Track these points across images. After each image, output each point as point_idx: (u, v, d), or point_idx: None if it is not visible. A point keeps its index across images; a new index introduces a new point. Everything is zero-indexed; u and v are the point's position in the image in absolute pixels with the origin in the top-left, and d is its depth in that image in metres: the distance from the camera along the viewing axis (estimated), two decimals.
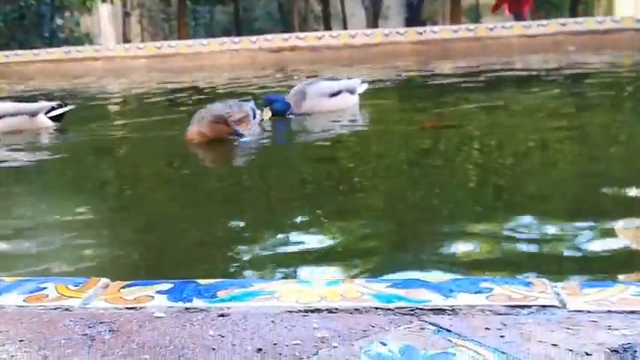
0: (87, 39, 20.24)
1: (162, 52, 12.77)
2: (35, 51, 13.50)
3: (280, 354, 0.91)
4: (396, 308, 1.01)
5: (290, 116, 4.84)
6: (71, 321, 1.03)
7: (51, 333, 1.00)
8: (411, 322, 0.98)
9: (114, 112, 6.86)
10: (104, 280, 1.16)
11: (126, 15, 22.66)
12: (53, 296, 1.11)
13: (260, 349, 0.92)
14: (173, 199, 2.91)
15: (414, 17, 23.39)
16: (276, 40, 12.62)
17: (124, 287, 1.13)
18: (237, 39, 13.10)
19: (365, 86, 5.47)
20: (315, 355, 0.90)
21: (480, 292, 1.04)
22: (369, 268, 1.82)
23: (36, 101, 5.49)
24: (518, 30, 12.13)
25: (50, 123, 5.18)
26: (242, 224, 2.36)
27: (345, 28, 20.67)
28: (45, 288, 1.14)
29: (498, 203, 2.44)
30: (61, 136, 4.98)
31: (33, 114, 5.13)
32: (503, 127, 4.14)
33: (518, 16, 14.78)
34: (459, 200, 2.50)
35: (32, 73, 12.35)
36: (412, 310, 1.01)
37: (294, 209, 2.46)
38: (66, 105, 5.38)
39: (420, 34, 12.30)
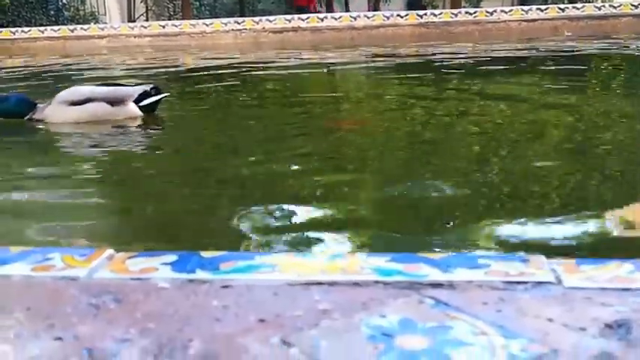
0: (92, 18, 20.19)
1: (166, 32, 12.76)
2: (41, 28, 13.49)
3: (282, 325, 0.93)
4: (395, 282, 1.03)
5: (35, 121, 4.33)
6: (77, 291, 1.05)
7: (57, 302, 1.02)
8: (410, 295, 0.99)
9: None
10: (109, 251, 1.17)
11: None
12: (60, 266, 1.13)
13: (263, 320, 0.94)
14: None
15: (414, 2, 23.34)
16: (279, 20, 12.60)
17: (129, 258, 1.15)
18: (240, 19, 13.09)
19: (160, 96, 4.46)
20: (316, 326, 0.92)
21: (477, 267, 1.06)
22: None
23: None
24: (517, 14, 12.12)
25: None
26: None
27: (347, 10, 20.60)
28: (52, 258, 1.15)
29: None
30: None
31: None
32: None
33: (302, 10, 15.20)
34: None
35: (38, 49, 12.35)
36: (411, 284, 1.02)
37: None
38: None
39: (421, 17, 12.29)
